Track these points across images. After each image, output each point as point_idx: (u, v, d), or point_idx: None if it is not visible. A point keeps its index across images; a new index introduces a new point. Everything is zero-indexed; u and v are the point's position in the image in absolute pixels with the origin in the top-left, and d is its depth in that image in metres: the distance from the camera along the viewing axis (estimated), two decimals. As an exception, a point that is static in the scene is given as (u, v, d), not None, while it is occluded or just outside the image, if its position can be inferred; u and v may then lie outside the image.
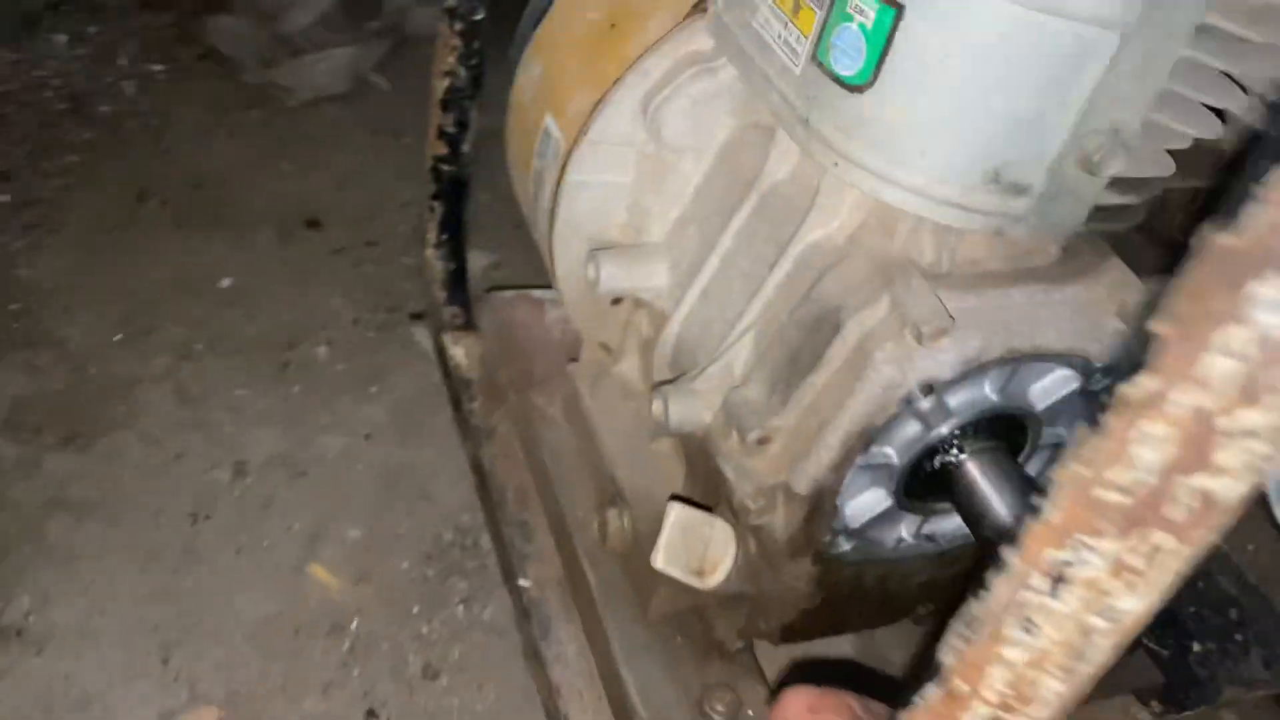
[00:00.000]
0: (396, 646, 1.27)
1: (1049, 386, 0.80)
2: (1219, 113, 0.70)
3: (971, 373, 0.75)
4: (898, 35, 0.66)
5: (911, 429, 0.78)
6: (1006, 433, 0.82)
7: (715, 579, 0.85)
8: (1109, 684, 1.16)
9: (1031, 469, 0.86)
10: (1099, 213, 0.74)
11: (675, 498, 0.87)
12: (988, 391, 0.78)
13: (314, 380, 1.59)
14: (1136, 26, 0.62)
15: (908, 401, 0.74)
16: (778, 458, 0.81)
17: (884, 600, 0.96)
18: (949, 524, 0.91)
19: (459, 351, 1.30)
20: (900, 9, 0.66)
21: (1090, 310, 0.78)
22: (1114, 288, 0.78)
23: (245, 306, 1.68)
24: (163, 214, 1.83)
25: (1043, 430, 0.83)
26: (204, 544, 1.35)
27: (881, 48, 0.67)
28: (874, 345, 0.73)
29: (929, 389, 0.73)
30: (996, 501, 0.78)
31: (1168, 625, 1.26)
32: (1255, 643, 1.27)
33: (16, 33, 2.09)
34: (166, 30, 2.23)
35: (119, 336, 1.61)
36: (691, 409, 0.85)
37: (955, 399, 0.77)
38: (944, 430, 0.78)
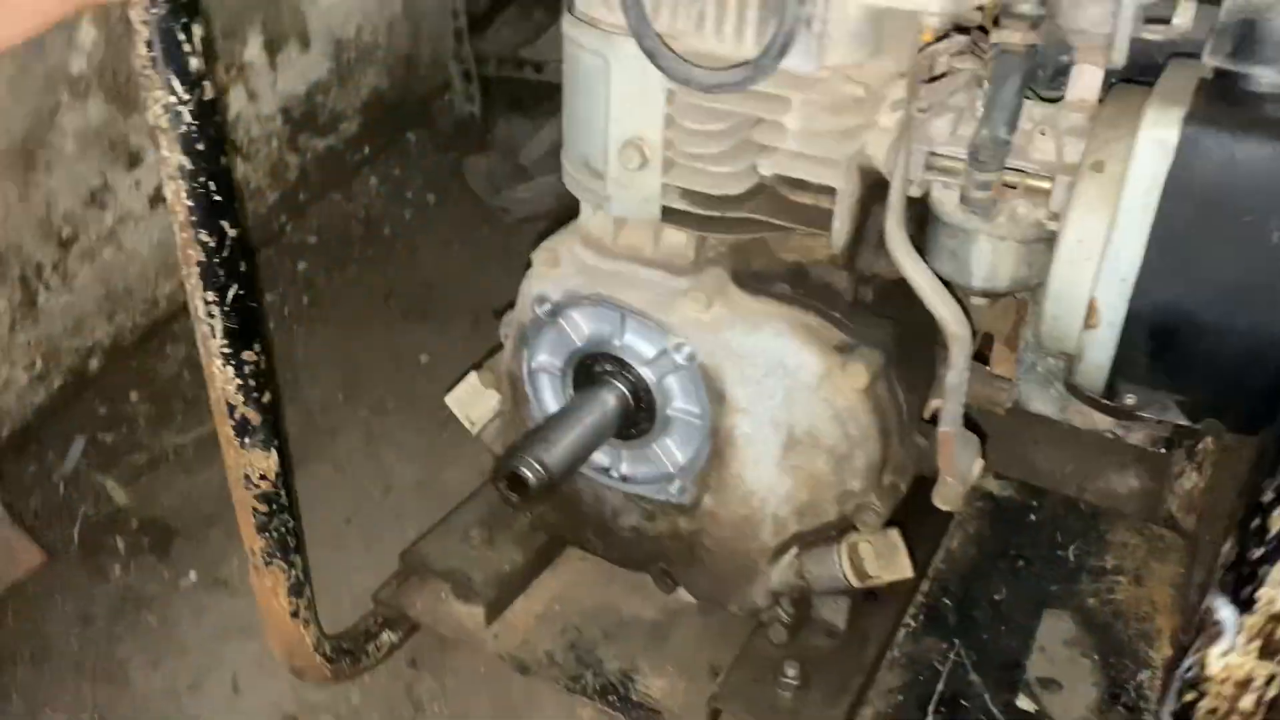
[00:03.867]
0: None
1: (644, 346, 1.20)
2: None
3: (580, 301, 1.19)
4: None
5: (555, 338, 1.22)
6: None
7: (477, 429, 1.31)
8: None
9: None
10: (671, 213, 1.15)
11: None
12: (605, 327, 1.21)
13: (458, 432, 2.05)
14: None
15: (537, 307, 1.20)
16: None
17: (607, 529, 1.34)
18: (640, 469, 1.28)
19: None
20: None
21: (679, 295, 1.18)
22: (703, 287, 1.18)
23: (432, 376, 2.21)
24: (396, 308, 2.51)
25: (661, 397, 1.21)
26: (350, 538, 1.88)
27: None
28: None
29: (543, 300, 1.19)
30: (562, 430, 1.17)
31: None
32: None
33: (348, 178, 2.88)
34: (446, 167, 3.01)
35: (340, 396, 2.25)
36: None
37: (587, 325, 1.21)
38: (578, 345, 1.21)
